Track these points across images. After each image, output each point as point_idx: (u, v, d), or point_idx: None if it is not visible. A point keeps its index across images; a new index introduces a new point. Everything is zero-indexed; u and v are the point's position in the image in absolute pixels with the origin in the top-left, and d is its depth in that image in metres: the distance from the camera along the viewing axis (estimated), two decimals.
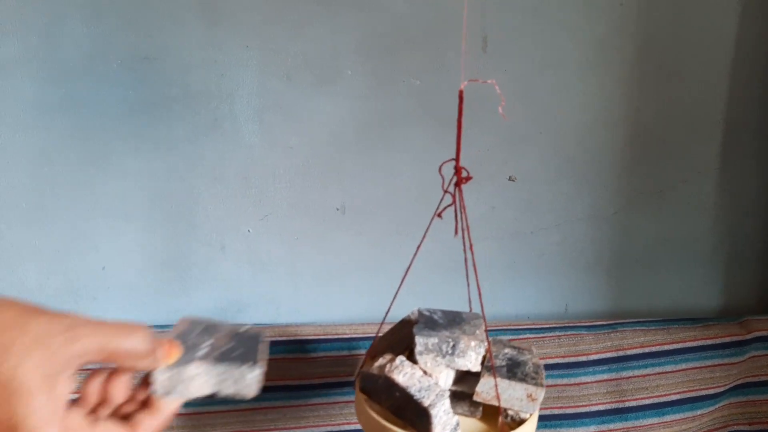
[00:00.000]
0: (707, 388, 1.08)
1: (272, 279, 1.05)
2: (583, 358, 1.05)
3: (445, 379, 0.62)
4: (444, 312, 0.66)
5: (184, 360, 0.46)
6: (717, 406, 1.09)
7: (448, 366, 0.60)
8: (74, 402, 0.42)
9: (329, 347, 1.01)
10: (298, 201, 1.03)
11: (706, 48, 1.06)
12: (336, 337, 1.01)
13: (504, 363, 0.63)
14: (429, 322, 0.63)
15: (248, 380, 0.47)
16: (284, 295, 1.07)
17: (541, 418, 1.04)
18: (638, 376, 1.06)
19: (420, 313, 0.65)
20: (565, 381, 1.05)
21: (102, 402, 0.44)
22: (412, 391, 0.57)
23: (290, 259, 1.05)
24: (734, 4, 1.04)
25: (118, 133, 0.96)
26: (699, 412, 1.08)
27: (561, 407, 1.05)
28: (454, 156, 1.08)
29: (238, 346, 0.49)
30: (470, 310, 0.70)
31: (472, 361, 0.60)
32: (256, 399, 1.00)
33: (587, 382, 1.05)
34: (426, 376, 0.59)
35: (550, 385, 1.04)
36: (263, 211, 1.03)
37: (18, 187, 0.96)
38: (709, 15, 1.04)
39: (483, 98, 0.96)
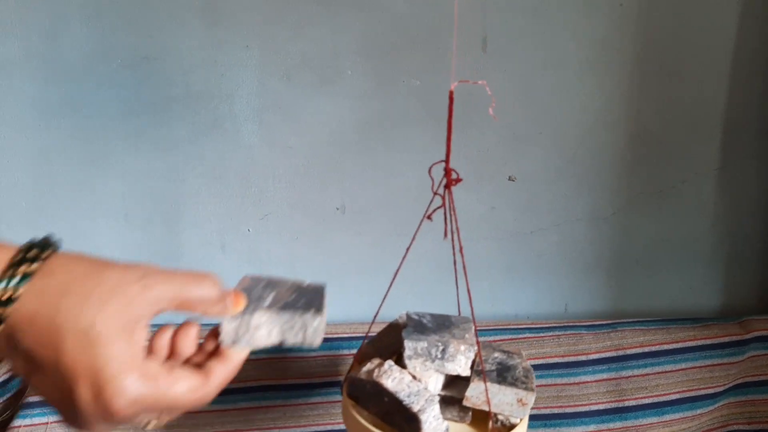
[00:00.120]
0: (706, 388, 1.08)
1: None
2: (583, 358, 1.05)
3: (435, 383, 0.61)
4: (433, 316, 0.65)
5: (250, 310, 0.47)
6: (716, 405, 1.09)
7: (437, 370, 0.59)
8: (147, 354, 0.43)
9: (329, 346, 1.01)
10: (297, 201, 1.03)
11: (706, 48, 1.06)
12: (336, 336, 1.01)
13: (494, 367, 0.63)
14: (418, 326, 0.62)
15: (313, 327, 0.48)
16: None
17: (541, 417, 1.04)
18: (638, 376, 1.06)
19: (408, 316, 0.64)
20: (564, 380, 1.05)
21: (171, 355, 0.44)
22: (401, 396, 0.56)
23: (290, 258, 1.05)
24: (734, 4, 1.04)
25: (118, 132, 0.96)
26: (698, 411, 1.08)
27: (560, 406, 1.05)
28: (453, 156, 1.08)
29: (300, 297, 0.50)
30: (459, 314, 0.69)
31: (461, 366, 0.59)
32: (256, 398, 1.00)
33: (587, 382, 1.05)
34: (415, 381, 0.58)
35: (550, 385, 1.05)
36: (263, 210, 1.03)
37: (18, 187, 0.96)
38: (710, 15, 1.04)
39: (483, 98, 0.96)
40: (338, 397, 1.01)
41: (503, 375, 0.61)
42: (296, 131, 1.00)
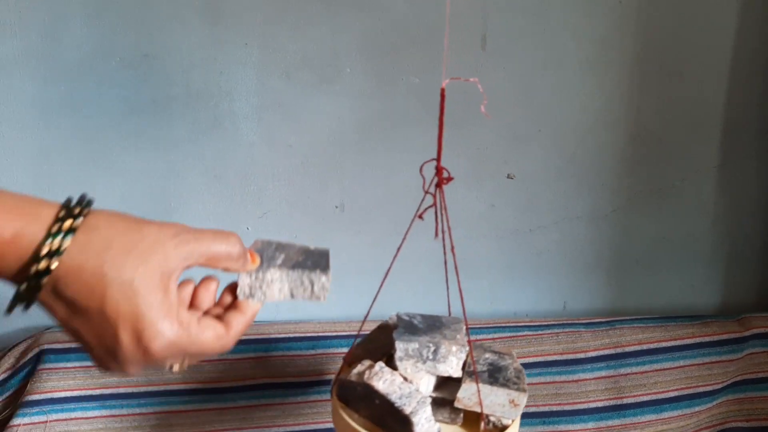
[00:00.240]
0: (705, 385, 1.08)
1: None
2: (582, 356, 1.05)
3: (426, 385, 0.60)
4: (423, 316, 0.64)
5: (263, 267, 0.52)
6: (714, 403, 1.10)
7: (428, 372, 0.58)
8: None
9: (328, 344, 1.01)
10: (297, 199, 1.03)
11: (706, 48, 1.06)
12: (335, 334, 1.01)
13: (485, 368, 0.62)
14: (409, 327, 0.61)
15: (319, 284, 0.52)
16: None
17: (540, 414, 1.05)
18: (636, 373, 1.06)
19: (399, 317, 0.63)
20: (563, 378, 1.05)
21: (191, 307, 0.49)
22: (393, 398, 0.55)
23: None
24: (734, 3, 1.04)
25: (118, 131, 0.96)
26: (696, 408, 1.08)
27: (559, 404, 1.05)
28: (452, 154, 1.08)
29: (308, 258, 0.54)
30: (449, 314, 0.69)
31: (453, 367, 0.58)
32: (255, 396, 1.01)
33: (585, 379, 1.06)
34: (406, 383, 0.58)
35: (548, 383, 1.05)
36: (262, 209, 1.03)
37: (18, 186, 0.95)
38: (709, 15, 1.04)
39: (482, 96, 0.96)
40: None
41: (495, 376, 0.61)
42: (296, 130, 1.00)
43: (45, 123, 0.94)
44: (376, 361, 0.61)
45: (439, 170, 0.57)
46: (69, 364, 0.96)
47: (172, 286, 0.43)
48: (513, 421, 0.60)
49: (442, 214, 0.59)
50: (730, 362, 1.09)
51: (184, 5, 0.93)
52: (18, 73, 0.92)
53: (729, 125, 1.10)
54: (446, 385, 0.61)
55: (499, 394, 0.59)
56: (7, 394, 0.96)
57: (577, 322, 1.08)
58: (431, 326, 0.62)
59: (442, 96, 0.55)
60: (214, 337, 0.46)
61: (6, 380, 0.95)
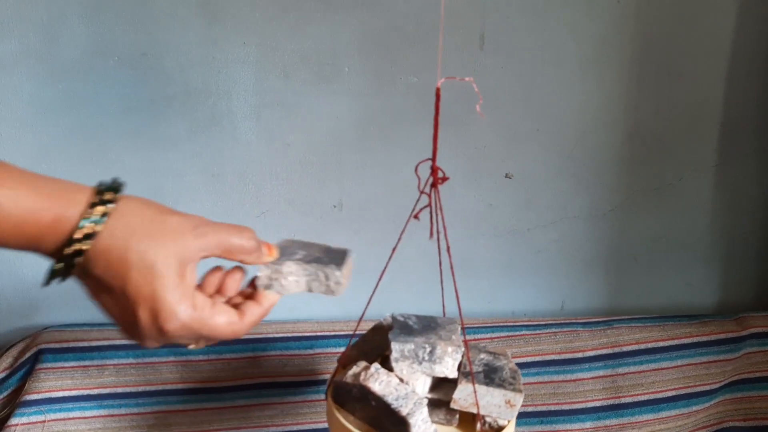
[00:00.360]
0: (702, 385, 1.08)
1: None
2: (579, 355, 1.06)
3: (422, 386, 0.60)
4: (418, 317, 0.64)
5: (282, 260, 0.54)
6: (712, 402, 1.10)
7: (424, 373, 0.58)
8: (197, 287, 0.50)
9: (327, 344, 1.01)
10: (295, 198, 1.03)
11: (705, 47, 1.06)
12: (333, 333, 1.01)
13: (480, 369, 0.62)
14: (404, 327, 0.61)
15: (334, 279, 0.54)
16: None
17: (537, 414, 1.05)
18: (634, 373, 1.07)
19: (394, 318, 0.63)
20: (561, 377, 1.05)
21: (217, 292, 0.53)
22: (389, 399, 0.55)
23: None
24: (732, 3, 1.04)
25: (116, 130, 0.96)
26: (694, 408, 1.08)
27: (557, 403, 1.05)
28: (450, 153, 1.08)
29: (327, 255, 0.57)
30: (444, 314, 0.69)
31: (449, 368, 0.58)
32: (253, 395, 1.01)
33: (583, 379, 1.06)
34: (403, 384, 0.57)
35: (546, 382, 1.05)
36: (260, 208, 1.03)
37: None
38: (708, 14, 1.04)
39: (481, 96, 0.96)
40: None
41: (490, 376, 0.60)
42: (294, 129, 1.00)
43: (43, 122, 0.94)
44: (370, 362, 0.61)
45: (434, 170, 0.57)
46: (67, 364, 0.96)
47: (189, 272, 0.47)
48: (509, 421, 0.59)
49: (436, 215, 0.58)
50: (728, 362, 1.09)
51: (183, 4, 0.93)
52: (16, 71, 0.92)
53: (727, 124, 1.10)
54: (441, 386, 0.61)
55: (495, 395, 0.58)
56: (5, 393, 0.95)
57: (575, 321, 1.08)
58: (426, 327, 0.62)
59: (437, 95, 0.55)
60: (226, 322, 0.49)
61: (4, 380, 0.95)
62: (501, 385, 0.59)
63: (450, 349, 0.57)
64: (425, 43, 0.99)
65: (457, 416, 0.61)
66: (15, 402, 0.95)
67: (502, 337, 1.05)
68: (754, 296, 1.21)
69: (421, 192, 0.58)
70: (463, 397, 0.59)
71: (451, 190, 1.05)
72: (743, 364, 1.10)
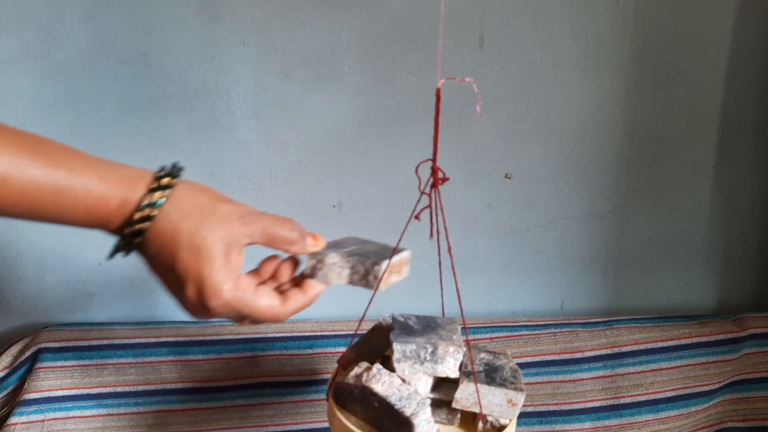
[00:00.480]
0: (702, 385, 1.08)
1: None
2: (579, 355, 1.06)
3: (424, 386, 0.60)
4: (418, 317, 0.64)
5: (328, 251, 0.56)
6: (711, 402, 1.10)
7: (426, 373, 0.58)
8: (251, 272, 0.56)
9: (326, 343, 1.01)
10: (294, 198, 1.03)
11: (703, 47, 1.06)
12: (333, 333, 1.01)
13: (481, 368, 0.61)
14: (404, 328, 0.61)
15: (373, 273, 0.55)
16: None
17: (537, 414, 1.05)
18: (633, 373, 1.06)
19: (394, 318, 0.63)
20: (560, 378, 1.05)
21: (271, 278, 0.56)
22: (393, 400, 0.55)
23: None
24: (731, 3, 1.04)
25: (115, 129, 0.96)
26: (693, 408, 1.08)
27: (556, 404, 1.05)
28: (450, 153, 1.08)
29: (378, 251, 0.58)
30: (443, 314, 0.69)
31: (450, 368, 0.58)
32: (253, 395, 1.01)
33: (582, 379, 1.06)
34: (405, 385, 0.57)
35: (546, 382, 1.05)
36: (260, 207, 1.01)
37: None
38: (706, 14, 1.04)
39: (481, 96, 0.96)
40: None
41: (491, 376, 0.60)
42: (293, 128, 1.00)
43: (42, 120, 0.94)
44: (370, 363, 0.60)
45: (434, 171, 0.57)
46: (66, 363, 0.96)
47: (234, 255, 0.50)
48: (510, 420, 0.59)
49: (437, 215, 0.58)
50: (727, 362, 1.09)
51: (182, 4, 0.93)
52: (15, 70, 0.92)
53: (726, 125, 1.10)
54: (442, 386, 0.61)
55: (496, 394, 0.58)
56: (5, 392, 0.96)
57: (574, 321, 1.08)
58: (426, 327, 0.61)
59: (438, 96, 0.55)
60: (267, 305, 0.52)
61: (3, 379, 0.95)
62: (502, 384, 0.59)
63: (451, 349, 0.57)
64: (425, 43, 0.99)
65: (459, 416, 0.61)
66: (14, 401, 0.95)
67: (501, 337, 1.05)
68: (753, 297, 1.21)
69: (422, 192, 0.58)
70: (464, 396, 0.58)
71: (450, 191, 1.05)
72: (743, 364, 1.10)
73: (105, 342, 0.96)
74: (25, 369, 0.96)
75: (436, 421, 0.60)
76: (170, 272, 0.49)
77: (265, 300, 0.52)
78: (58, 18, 0.91)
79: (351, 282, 0.56)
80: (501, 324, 1.06)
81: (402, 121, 1.02)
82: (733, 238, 1.17)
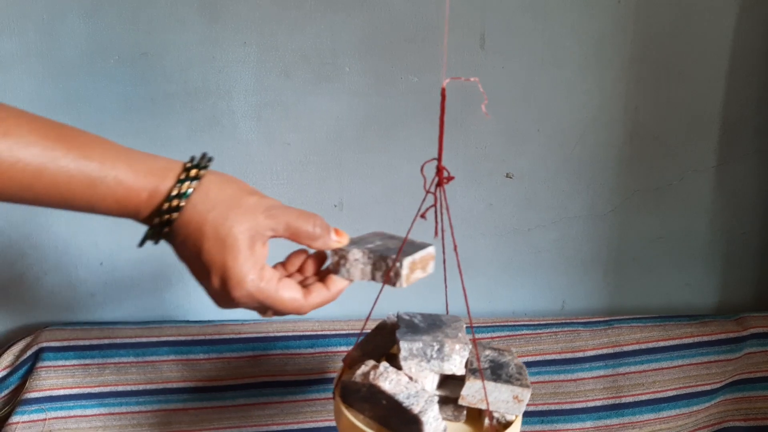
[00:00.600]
0: (703, 385, 1.08)
1: None
2: (580, 354, 1.06)
3: (430, 384, 0.61)
4: (423, 315, 0.64)
5: (352, 247, 0.57)
6: (713, 402, 1.10)
7: (433, 371, 0.58)
8: (278, 264, 0.57)
9: (327, 343, 1.01)
10: (295, 197, 1.03)
11: (704, 46, 1.06)
12: (333, 333, 1.01)
13: (486, 365, 0.62)
14: (410, 326, 0.61)
15: (394, 270, 0.55)
16: None
17: (538, 413, 1.05)
18: (634, 372, 1.06)
19: (399, 317, 0.64)
20: (561, 377, 1.05)
21: (298, 272, 0.58)
22: (401, 398, 0.55)
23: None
24: (732, 3, 1.04)
25: (116, 129, 0.96)
26: (695, 408, 1.08)
27: (557, 403, 1.05)
28: (451, 153, 1.08)
29: (402, 248, 0.57)
30: (447, 312, 0.69)
31: (456, 365, 0.58)
32: (253, 394, 1.01)
33: (584, 378, 1.06)
34: (412, 382, 0.58)
35: (547, 381, 1.05)
36: None
37: None
38: (707, 13, 1.04)
39: (480, 96, 0.96)
40: None
41: (497, 372, 0.61)
42: (294, 128, 1.00)
43: None
44: (375, 361, 0.61)
45: (439, 170, 0.57)
46: (68, 362, 0.96)
47: (258, 247, 0.51)
48: (516, 416, 0.60)
49: (442, 214, 0.59)
50: (728, 362, 1.09)
51: (183, 3, 0.93)
52: (16, 70, 0.92)
53: (727, 124, 1.10)
54: (447, 384, 0.62)
55: (502, 391, 0.59)
56: (6, 391, 0.96)
57: (575, 321, 1.08)
58: (432, 325, 0.62)
59: (443, 96, 0.55)
60: (290, 298, 0.53)
61: (5, 378, 0.95)
62: (508, 380, 0.59)
63: (458, 346, 0.58)
64: (426, 43, 0.99)
65: (465, 412, 0.62)
66: (16, 400, 0.95)
67: (502, 336, 1.05)
68: (754, 296, 1.21)
69: (427, 191, 0.58)
70: (471, 393, 0.59)
71: (451, 190, 1.05)
72: (744, 364, 1.10)
73: (106, 341, 0.97)
74: (27, 368, 0.96)
75: (443, 418, 0.60)
76: (196, 261, 0.51)
77: (288, 292, 0.53)
78: (59, 18, 0.91)
79: (373, 279, 0.57)
80: (502, 323, 1.06)
81: (403, 120, 1.02)
82: (733, 238, 1.17)
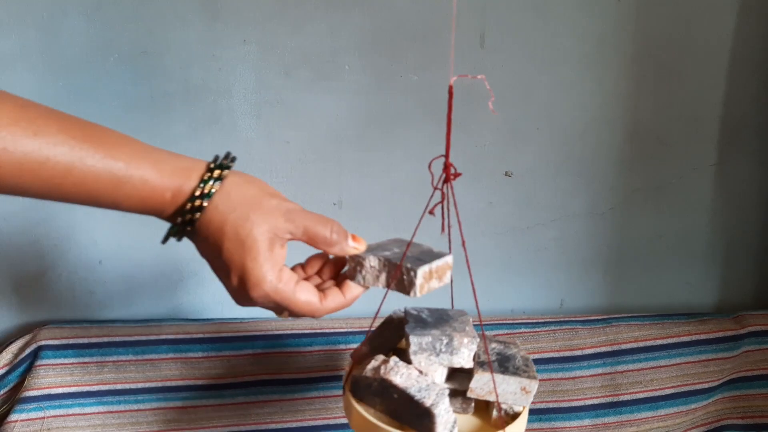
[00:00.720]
0: (701, 383, 1.08)
1: None
2: (578, 353, 1.06)
3: (440, 377, 0.62)
4: (430, 310, 0.65)
5: (368, 254, 0.57)
6: (711, 400, 1.10)
7: (442, 364, 0.59)
8: (297, 266, 0.59)
9: (326, 341, 1.01)
10: (295, 196, 1.02)
11: (704, 45, 1.06)
12: (332, 331, 1.01)
13: (494, 358, 0.63)
14: (418, 320, 0.62)
15: (409, 278, 0.56)
16: None
17: (536, 411, 1.05)
18: (633, 371, 1.07)
19: (407, 312, 0.64)
20: (560, 375, 1.05)
21: (317, 275, 0.59)
22: (412, 392, 0.56)
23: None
24: (732, 2, 1.04)
25: (116, 127, 0.95)
26: (693, 406, 1.08)
27: (556, 401, 1.06)
28: (450, 152, 1.08)
29: (417, 256, 0.58)
30: (452, 307, 0.70)
31: (465, 358, 0.59)
32: (253, 393, 1.01)
33: (582, 376, 1.06)
34: (423, 376, 0.59)
35: (545, 379, 1.05)
36: None
37: None
38: (707, 12, 1.04)
39: (480, 94, 0.96)
40: (335, 392, 1.02)
41: (504, 365, 0.62)
42: (294, 126, 1.00)
43: None
44: (383, 356, 0.62)
45: (447, 166, 0.58)
46: (66, 361, 0.96)
47: (277, 248, 0.52)
48: (524, 407, 0.62)
49: (448, 210, 0.60)
50: (727, 360, 1.09)
51: (183, 1, 0.93)
52: (17, 68, 0.92)
53: (726, 123, 1.10)
54: (455, 377, 0.63)
55: (510, 383, 0.60)
56: (5, 390, 0.96)
57: (574, 319, 1.08)
58: (439, 319, 0.63)
59: (450, 93, 0.57)
60: (306, 301, 0.54)
61: (3, 376, 0.95)
62: (516, 372, 0.61)
63: (466, 340, 0.59)
64: (425, 42, 0.99)
65: (473, 404, 0.63)
66: (14, 398, 0.95)
67: (501, 334, 1.05)
68: (753, 295, 1.21)
69: (435, 188, 0.59)
70: (479, 386, 0.60)
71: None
72: (742, 362, 1.11)
73: (105, 339, 0.97)
74: (25, 366, 0.96)
75: (452, 411, 0.61)
76: (217, 259, 0.52)
77: (304, 295, 0.54)
78: (60, 16, 0.91)
79: (388, 287, 0.57)
80: (501, 321, 1.06)
81: (402, 119, 1.02)
82: (733, 237, 1.17)
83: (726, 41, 1.06)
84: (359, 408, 0.59)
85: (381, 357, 0.61)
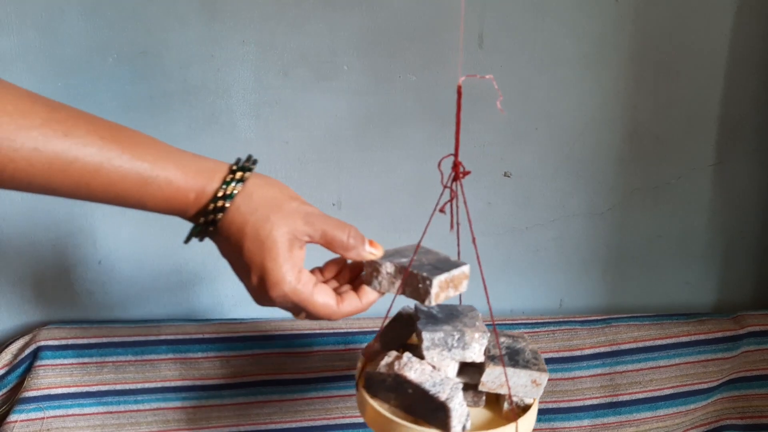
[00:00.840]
0: (700, 383, 1.08)
1: None
2: (578, 353, 1.06)
3: (451, 372, 0.63)
4: (440, 306, 0.66)
5: (385, 260, 0.58)
6: (710, 400, 1.10)
7: (454, 359, 0.61)
8: (315, 269, 0.60)
9: (325, 341, 1.01)
10: None
11: (703, 45, 1.06)
12: (332, 331, 1.01)
13: (504, 352, 0.65)
14: (429, 317, 0.63)
15: (424, 286, 0.56)
16: None
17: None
18: (632, 371, 1.07)
19: (418, 308, 0.66)
20: (559, 375, 1.05)
21: (334, 278, 0.61)
22: (427, 386, 0.58)
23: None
24: (731, 2, 1.04)
25: None
26: (692, 406, 1.08)
27: (555, 401, 1.06)
28: (451, 151, 1.08)
29: (435, 264, 0.59)
30: (460, 303, 0.71)
31: (476, 353, 0.61)
32: (252, 393, 1.01)
33: (581, 377, 1.06)
34: (436, 371, 0.60)
35: None
36: None
37: None
38: (706, 12, 1.04)
39: (480, 94, 0.96)
40: (335, 392, 1.02)
41: (514, 358, 0.63)
42: (293, 127, 1.00)
43: None
44: (396, 352, 0.63)
45: (456, 165, 0.59)
46: (66, 361, 0.96)
47: (296, 250, 0.53)
48: (534, 399, 0.63)
49: (457, 207, 0.61)
50: (726, 360, 1.09)
51: (182, 2, 0.93)
52: (15, 68, 0.92)
53: (725, 123, 1.10)
54: (466, 371, 0.64)
55: (521, 376, 0.61)
56: (4, 390, 0.96)
57: (573, 319, 1.08)
58: (449, 315, 0.64)
59: (459, 93, 0.58)
60: (323, 303, 0.55)
61: (3, 376, 0.95)
62: (526, 366, 0.62)
63: (477, 335, 0.60)
64: (424, 42, 0.99)
65: (484, 398, 0.64)
66: (14, 399, 0.95)
67: None
68: (752, 295, 1.21)
69: (445, 186, 0.60)
70: (491, 379, 0.62)
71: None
72: (741, 362, 1.11)
73: (104, 340, 0.97)
74: (25, 367, 0.96)
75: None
76: (238, 259, 0.53)
77: (322, 297, 0.55)
78: (58, 15, 0.91)
79: (404, 293, 0.58)
80: (500, 322, 1.06)
81: (401, 119, 1.02)
82: (732, 237, 1.17)
83: (725, 41, 1.06)
84: (374, 404, 0.60)
85: (394, 353, 0.62)
